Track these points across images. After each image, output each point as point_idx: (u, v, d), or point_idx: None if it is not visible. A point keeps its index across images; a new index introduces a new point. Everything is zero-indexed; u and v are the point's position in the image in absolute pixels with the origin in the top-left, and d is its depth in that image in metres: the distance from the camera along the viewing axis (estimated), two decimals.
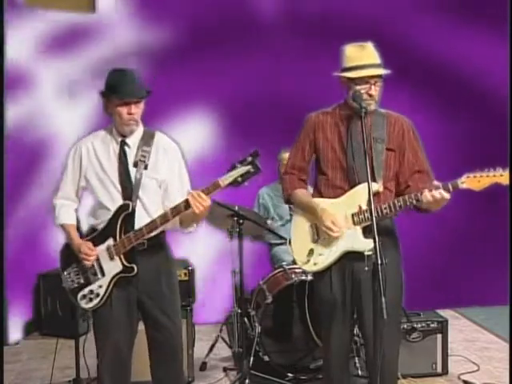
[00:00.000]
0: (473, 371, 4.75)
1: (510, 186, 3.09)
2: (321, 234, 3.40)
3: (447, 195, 3.16)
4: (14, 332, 5.69)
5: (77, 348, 4.37)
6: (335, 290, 3.38)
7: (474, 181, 3.13)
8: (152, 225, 3.31)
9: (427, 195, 3.15)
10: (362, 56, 3.32)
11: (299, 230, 3.50)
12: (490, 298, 6.23)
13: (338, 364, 3.48)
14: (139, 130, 3.44)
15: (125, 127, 3.38)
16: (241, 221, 4.44)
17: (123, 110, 3.33)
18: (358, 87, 3.31)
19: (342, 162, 3.39)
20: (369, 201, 3.07)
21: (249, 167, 3.13)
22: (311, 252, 3.42)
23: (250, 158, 3.14)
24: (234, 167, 3.15)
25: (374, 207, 3.18)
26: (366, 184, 3.24)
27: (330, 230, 3.31)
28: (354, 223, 3.32)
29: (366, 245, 3.26)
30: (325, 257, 3.38)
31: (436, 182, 3.20)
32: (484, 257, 6.36)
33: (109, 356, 3.44)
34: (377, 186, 3.30)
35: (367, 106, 3.30)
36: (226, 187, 3.19)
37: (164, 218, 3.29)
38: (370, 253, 3.04)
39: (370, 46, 3.35)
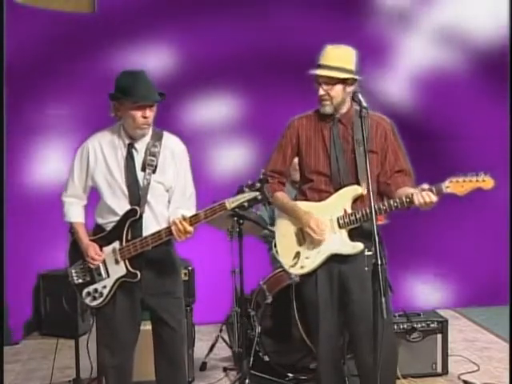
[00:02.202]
0: (473, 371, 4.74)
1: (511, 186, 3.09)
2: (307, 237, 3.40)
3: (435, 198, 3.15)
4: (14, 332, 5.68)
5: (77, 348, 4.36)
6: (321, 291, 3.39)
7: (457, 185, 3.12)
8: (157, 236, 3.30)
9: (418, 198, 3.14)
10: (328, 56, 3.29)
11: (284, 233, 3.50)
12: (490, 298, 6.23)
13: (327, 364, 3.50)
14: (148, 132, 3.40)
15: (138, 131, 3.34)
16: (241, 221, 4.44)
17: (137, 114, 3.28)
18: (317, 85, 3.31)
19: (326, 167, 3.38)
20: (369, 202, 3.05)
21: (256, 194, 3.09)
22: (297, 255, 3.43)
23: (258, 185, 3.10)
24: (241, 191, 3.11)
25: (359, 210, 3.24)
26: (350, 187, 3.31)
27: (313, 232, 3.32)
28: (340, 226, 3.33)
29: (351, 248, 3.28)
30: (311, 260, 3.39)
31: (425, 185, 3.19)
32: (483, 256, 6.36)
33: (112, 355, 3.45)
34: (360, 189, 3.31)
35: (324, 107, 3.31)
36: (232, 210, 3.18)
37: (170, 232, 3.27)
38: (371, 253, 3.04)
39: (343, 49, 3.32)
